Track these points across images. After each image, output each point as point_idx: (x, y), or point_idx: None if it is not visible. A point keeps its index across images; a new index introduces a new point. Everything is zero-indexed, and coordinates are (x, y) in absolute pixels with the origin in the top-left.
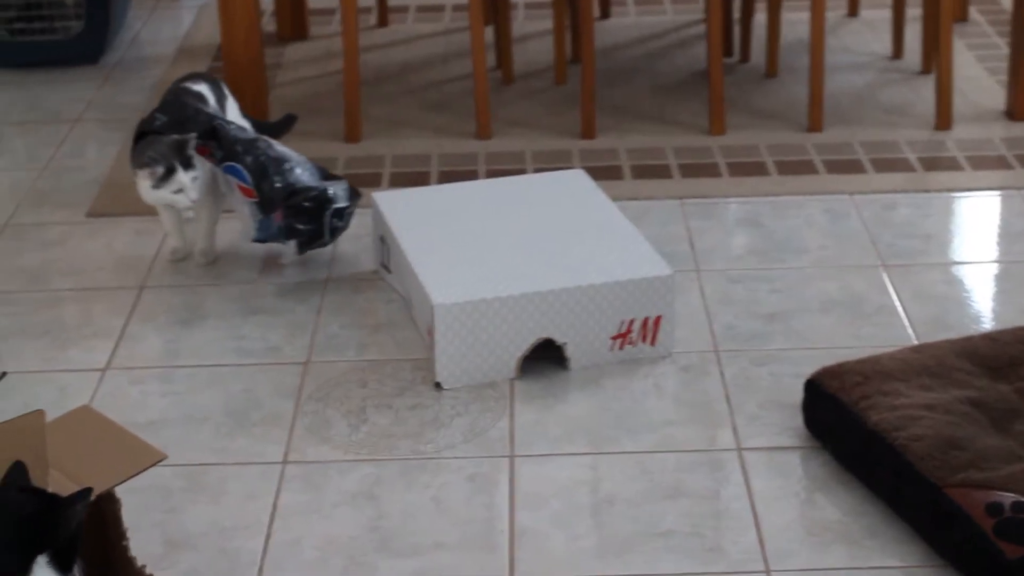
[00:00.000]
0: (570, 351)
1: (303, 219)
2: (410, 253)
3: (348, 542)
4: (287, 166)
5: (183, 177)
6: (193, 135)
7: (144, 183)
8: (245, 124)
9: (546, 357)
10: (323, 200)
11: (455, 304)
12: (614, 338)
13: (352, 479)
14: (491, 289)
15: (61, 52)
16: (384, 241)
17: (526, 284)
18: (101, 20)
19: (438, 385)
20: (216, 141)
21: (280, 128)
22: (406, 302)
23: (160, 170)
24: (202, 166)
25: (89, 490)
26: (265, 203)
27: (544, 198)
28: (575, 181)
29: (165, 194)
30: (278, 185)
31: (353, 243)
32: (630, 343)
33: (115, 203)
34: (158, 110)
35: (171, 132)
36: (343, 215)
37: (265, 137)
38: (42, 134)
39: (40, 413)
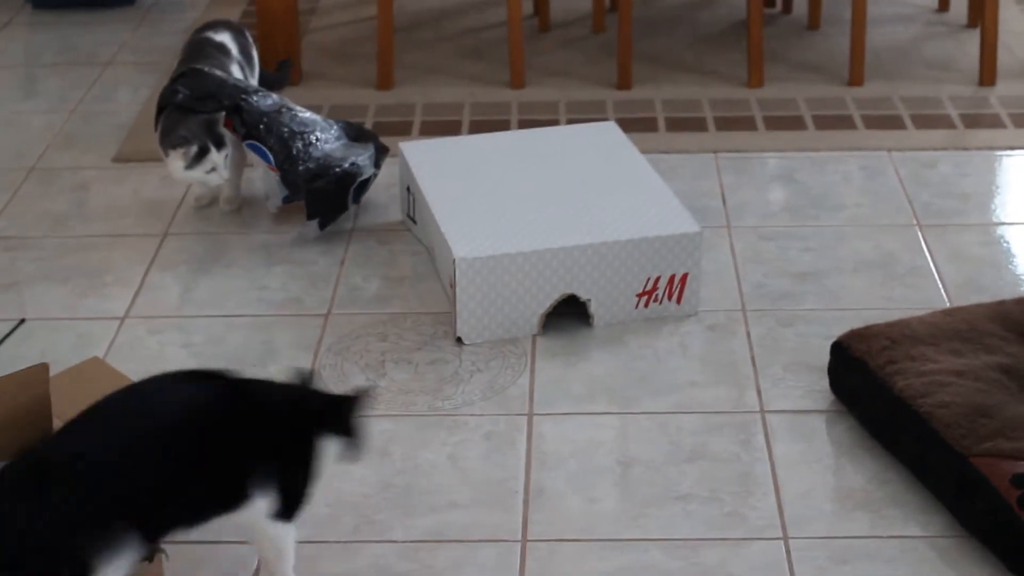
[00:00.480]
0: (594, 308)
1: (325, 201)
2: (434, 205)
3: (361, 500)
4: (311, 138)
5: (216, 157)
6: (222, 113)
7: (177, 163)
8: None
9: (569, 313)
10: (346, 179)
11: (477, 258)
12: (639, 295)
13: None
14: (514, 243)
15: None
16: (410, 191)
17: (550, 239)
18: None
19: (459, 340)
20: (239, 117)
21: (279, 80)
22: (430, 254)
23: (194, 150)
24: (229, 138)
25: (364, 393)
26: (288, 185)
27: (573, 151)
28: (606, 134)
29: (198, 174)
30: (300, 169)
31: (381, 192)
32: (655, 300)
33: (142, 148)
34: (178, 81)
35: (193, 106)
36: (369, 182)
37: (289, 103)
38: (74, 76)
39: (44, 366)
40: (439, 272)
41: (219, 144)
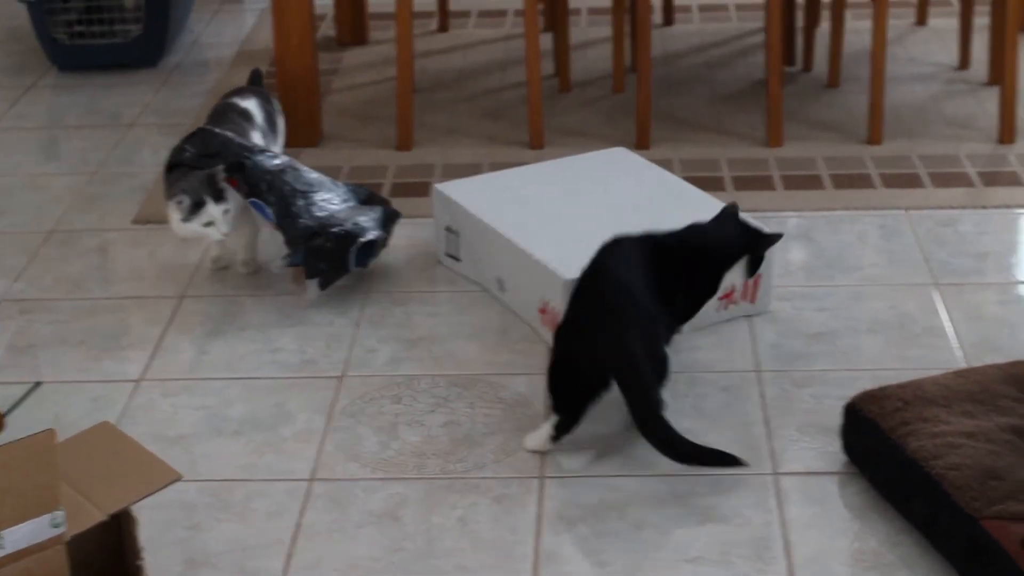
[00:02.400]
0: None
1: (324, 259)
2: (508, 234)
3: (369, 564)
4: (315, 198)
5: (213, 210)
6: (220, 168)
7: (174, 215)
8: (281, 139)
9: None
10: (347, 239)
11: None
12: (721, 298)
13: (378, 498)
14: None
15: (120, 55)
16: (451, 230)
17: None
18: (160, 23)
19: None
20: (242, 175)
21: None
22: (485, 286)
23: (187, 202)
24: (234, 197)
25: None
26: (288, 242)
27: (603, 174)
28: (623, 157)
29: (195, 227)
30: (300, 225)
31: (398, 254)
32: (733, 303)
33: (162, 210)
34: (186, 140)
35: (199, 163)
36: (375, 245)
37: (296, 164)
38: (97, 138)
39: (51, 432)
40: (511, 301)
41: (217, 198)
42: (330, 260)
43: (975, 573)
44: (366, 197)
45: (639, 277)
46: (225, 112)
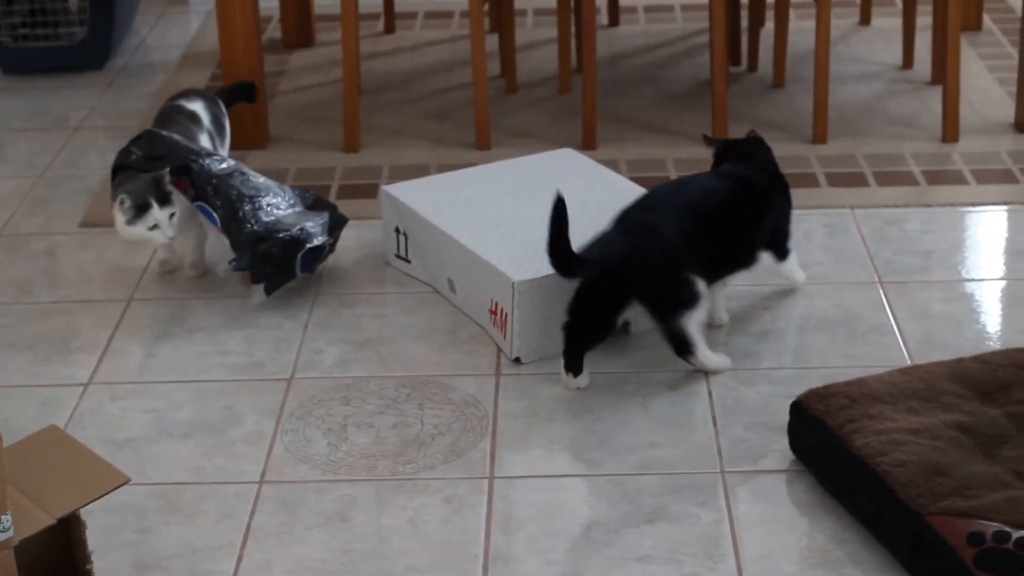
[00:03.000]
0: (632, 316)
1: (270, 264)
2: (457, 235)
3: (319, 566)
4: (262, 203)
5: (158, 213)
6: (165, 171)
7: (118, 218)
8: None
9: None
10: (293, 244)
11: (534, 280)
12: None
13: (328, 500)
14: None
15: (65, 58)
16: (399, 231)
17: None
18: (105, 26)
19: (517, 360)
20: (189, 178)
21: (233, 93)
22: (440, 288)
23: (130, 204)
24: (180, 200)
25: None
26: (234, 246)
27: (552, 176)
28: (571, 159)
29: (140, 230)
30: (246, 230)
31: (345, 256)
32: None
33: (109, 213)
34: (133, 143)
35: (145, 166)
36: (322, 250)
37: (243, 168)
38: (43, 141)
39: None
40: (460, 302)
41: (162, 201)
42: (276, 265)
43: (921, 569)
44: (313, 202)
45: (673, 216)
46: (172, 114)
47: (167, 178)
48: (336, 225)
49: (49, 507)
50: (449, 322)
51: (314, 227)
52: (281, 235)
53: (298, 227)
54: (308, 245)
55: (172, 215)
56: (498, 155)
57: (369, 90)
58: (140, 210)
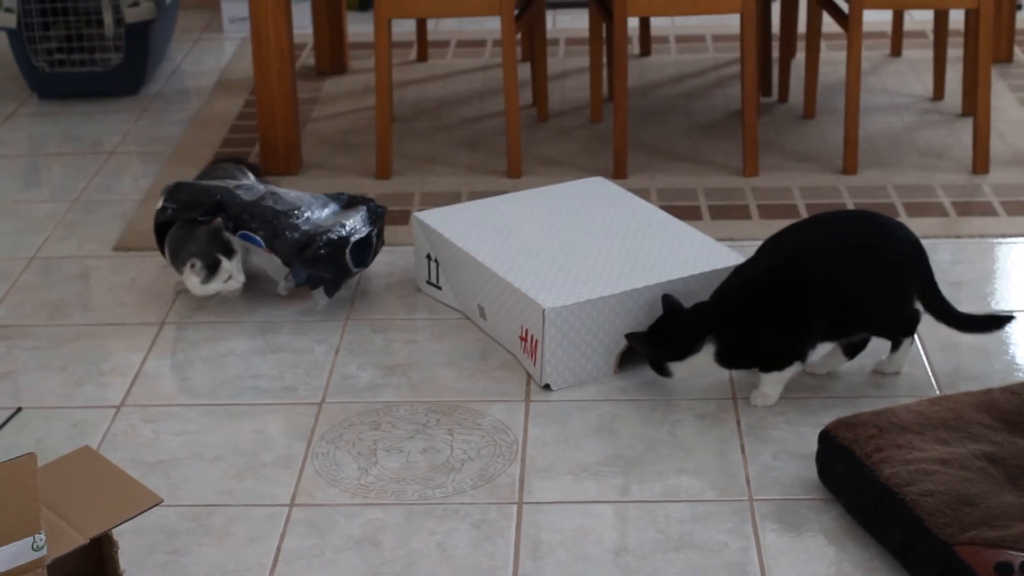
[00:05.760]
0: None
1: (322, 266)
2: (488, 263)
3: None
4: (298, 214)
5: (228, 266)
6: (219, 222)
7: (192, 280)
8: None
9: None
10: (339, 243)
11: (564, 307)
12: None
13: (357, 524)
14: (592, 290)
15: (101, 84)
16: (431, 258)
17: (622, 283)
18: (140, 52)
19: (547, 387)
20: (225, 213)
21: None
22: (467, 314)
23: (202, 266)
24: (236, 241)
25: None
26: (283, 259)
27: (582, 203)
28: (602, 187)
29: (217, 285)
30: (290, 240)
31: (376, 282)
32: None
33: (142, 236)
34: (166, 200)
35: (181, 217)
36: (369, 242)
37: (274, 188)
38: (77, 165)
39: (32, 457)
40: (492, 328)
41: (228, 252)
42: (328, 267)
43: None
44: (348, 201)
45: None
46: (215, 167)
47: (223, 228)
48: (376, 216)
49: (82, 527)
50: (479, 348)
51: (354, 222)
52: (324, 237)
53: (339, 225)
54: (352, 239)
55: (238, 261)
56: (529, 183)
57: (401, 117)
58: (212, 268)
